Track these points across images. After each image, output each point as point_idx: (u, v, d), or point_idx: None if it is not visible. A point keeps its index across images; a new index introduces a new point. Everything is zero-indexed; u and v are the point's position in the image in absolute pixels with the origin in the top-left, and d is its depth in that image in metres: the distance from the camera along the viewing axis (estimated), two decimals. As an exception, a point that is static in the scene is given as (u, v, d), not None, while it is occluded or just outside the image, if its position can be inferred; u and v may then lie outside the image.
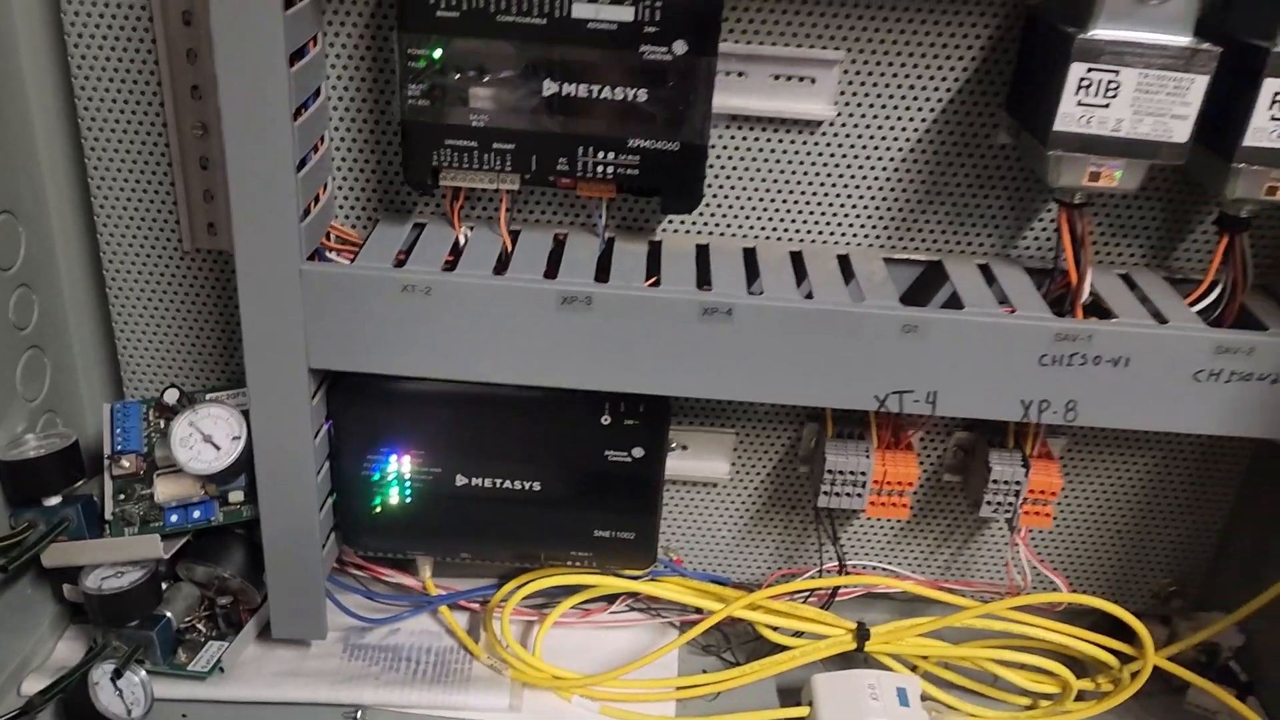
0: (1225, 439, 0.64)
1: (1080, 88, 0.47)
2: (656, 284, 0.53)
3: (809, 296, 0.54)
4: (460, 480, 0.60)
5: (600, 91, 0.50)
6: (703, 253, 0.57)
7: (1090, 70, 0.47)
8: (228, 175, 0.49)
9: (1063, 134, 0.48)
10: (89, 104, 0.57)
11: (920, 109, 0.55)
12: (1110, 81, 0.47)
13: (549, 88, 0.50)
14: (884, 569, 0.69)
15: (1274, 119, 0.47)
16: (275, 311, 0.52)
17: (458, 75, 0.50)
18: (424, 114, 0.51)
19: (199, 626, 0.64)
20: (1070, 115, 0.48)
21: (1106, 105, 0.47)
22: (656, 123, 0.51)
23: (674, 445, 0.65)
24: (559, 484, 0.60)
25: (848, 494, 0.61)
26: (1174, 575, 0.69)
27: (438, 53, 0.50)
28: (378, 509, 0.61)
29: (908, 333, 0.52)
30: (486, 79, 0.50)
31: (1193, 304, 0.55)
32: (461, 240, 0.57)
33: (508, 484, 0.60)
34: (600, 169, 0.52)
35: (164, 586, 0.63)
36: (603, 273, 0.54)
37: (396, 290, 0.52)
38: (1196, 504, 0.67)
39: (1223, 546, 0.69)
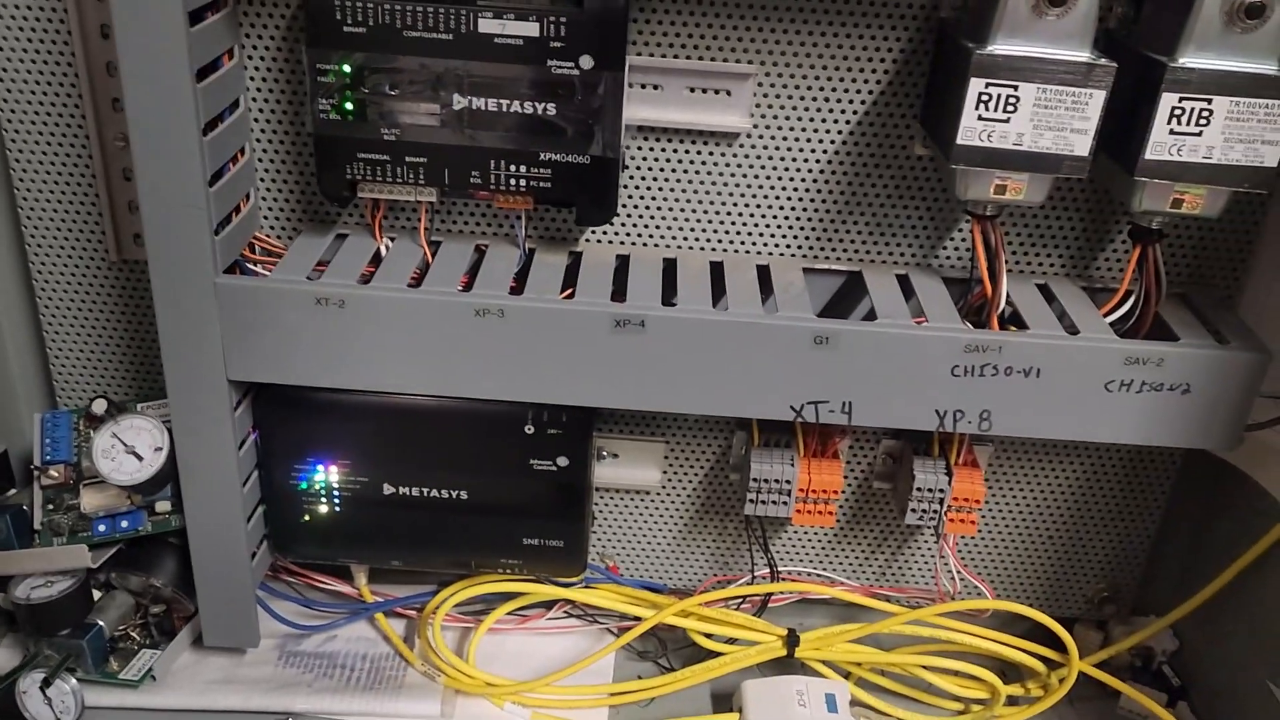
0: (1155, 446, 0.64)
1: (980, 102, 0.47)
2: (571, 295, 0.54)
3: (725, 309, 0.54)
4: (388, 489, 0.61)
5: (509, 106, 0.51)
6: (623, 263, 0.57)
7: (989, 85, 0.47)
8: (138, 190, 0.50)
9: (966, 148, 0.48)
10: (11, 116, 0.57)
11: (837, 120, 0.55)
12: (1009, 96, 0.47)
13: (458, 102, 0.51)
14: (817, 575, 0.69)
15: (1173, 133, 0.47)
16: (192, 324, 0.53)
17: (367, 90, 0.50)
18: (336, 128, 0.51)
19: (133, 634, 0.64)
20: (972, 129, 0.48)
21: (1007, 120, 0.47)
22: (567, 136, 0.51)
23: (604, 454, 0.65)
24: (486, 493, 0.61)
25: (774, 502, 0.61)
26: (1107, 581, 0.70)
27: (346, 67, 0.50)
28: (307, 518, 0.61)
29: (820, 344, 0.53)
30: (396, 93, 0.51)
31: (1107, 314, 0.55)
32: (383, 251, 0.57)
33: (435, 493, 0.61)
34: (514, 182, 0.52)
35: (98, 595, 0.64)
36: (522, 284, 0.55)
37: (310, 303, 0.52)
38: (1128, 510, 0.67)
39: (1156, 552, 0.69)
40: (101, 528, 0.61)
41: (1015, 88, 0.47)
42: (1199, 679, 0.66)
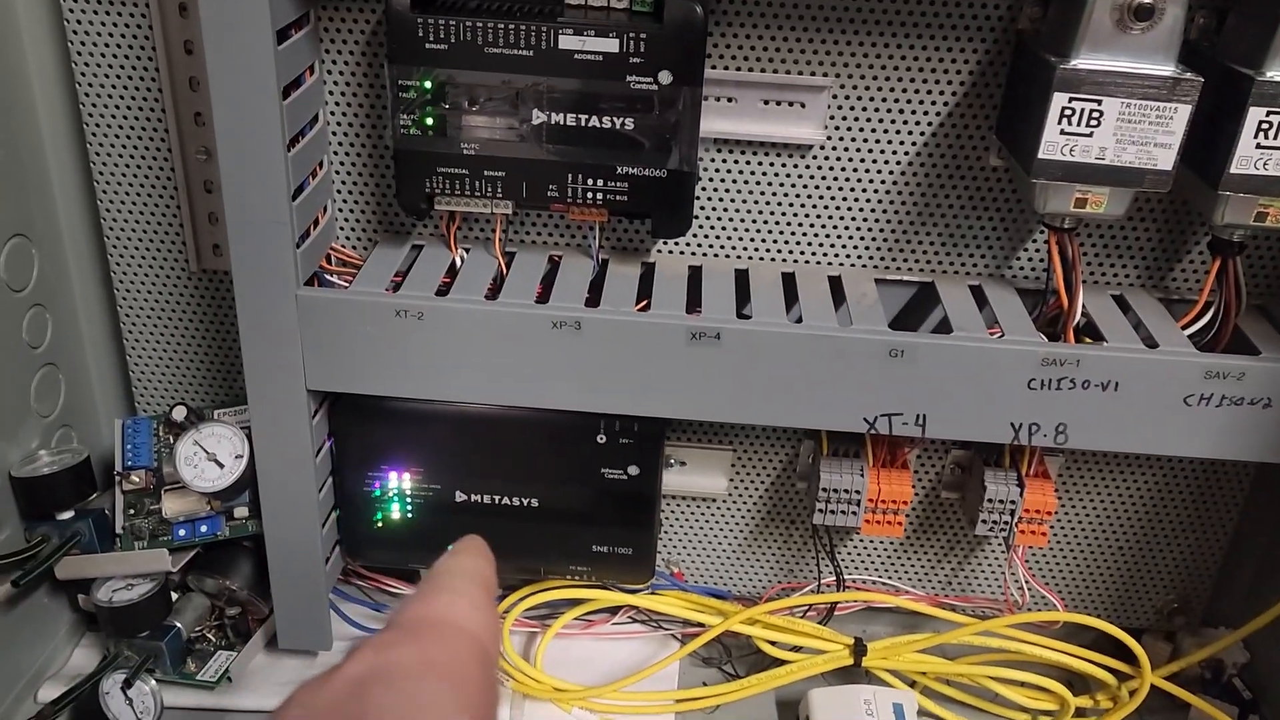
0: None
1: (1063, 117, 0.47)
2: (647, 307, 0.54)
3: (799, 319, 0.54)
4: (460, 496, 0.61)
5: (588, 121, 0.51)
6: (695, 274, 0.58)
7: (1072, 100, 0.47)
8: (224, 204, 0.50)
9: (1047, 161, 0.48)
10: (96, 130, 0.59)
11: (911, 132, 0.55)
12: (1093, 111, 0.47)
13: (538, 117, 0.51)
14: (883, 584, 0.69)
15: (1260, 147, 0.47)
16: (273, 334, 0.54)
17: (448, 105, 0.51)
18: (416, 143, 0.52)
19: (209, 636, 0.66)
20: (1054, 143, 0.48)
21: (1090, 134, 0.47)
22: (644, 150, 0.51)
23: (672, 461, 0.66)
24: (557, 501, 0.61)
25: (843, 512, 0.61)
26: (1177, 592, 0.69)
27: (428, 84, 0.51)
28: (379, 523, 0.62)
29: (894, 357, 0.53)
30: (476, 108, 0.51)
31: (1185, 327, 0.55)
32: (458, 262, 0.58)
33: (507, 500, 0.61)
34: (590, 195, 0.53)
35: (175, 597, 0.65)
36: (596, 295, 0.55)
37: (390, 315, 0.53)
38: (1200, 522, 0.66)
39: (1228, 563, 0.68)
40: (181, 532, 0.62)
41: (1099, 102, 0.47)
42: (1271, 692, 0.65)
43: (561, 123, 0.51)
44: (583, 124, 0.51)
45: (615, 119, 0.51)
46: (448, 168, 0.53)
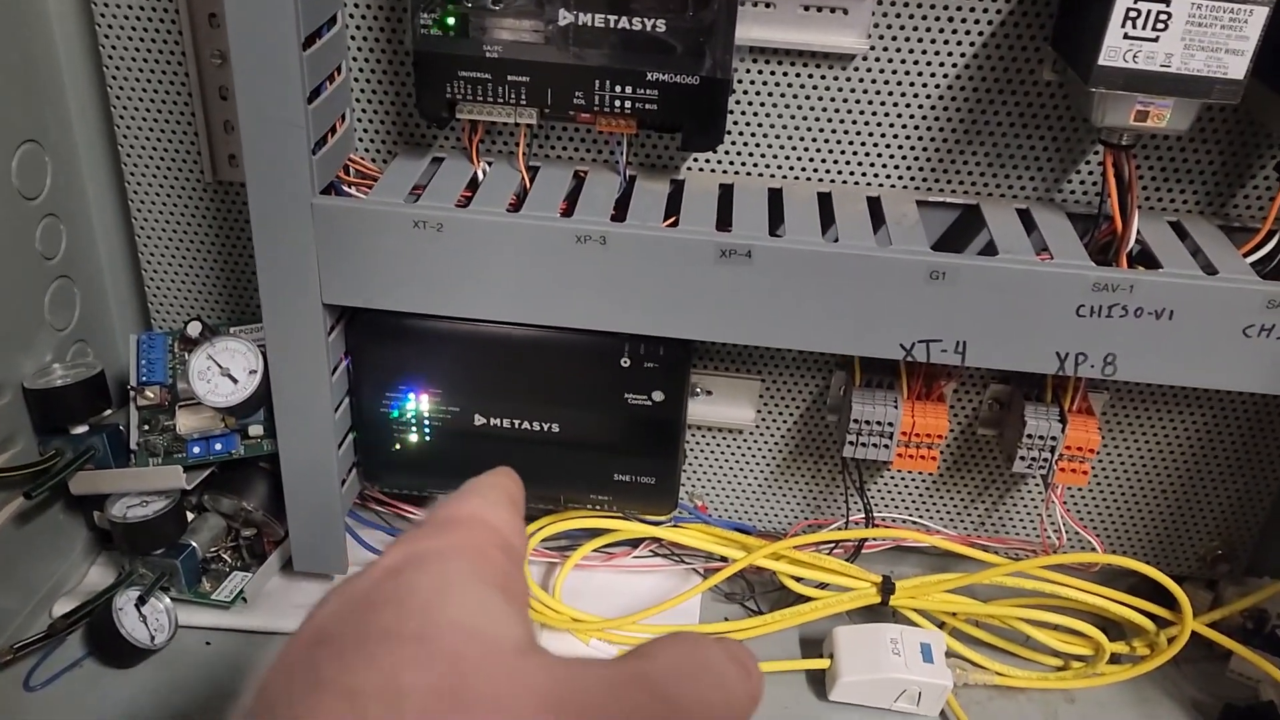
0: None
1: (1127, 19, 0.44)
2: (675, 224, 0.52)
3: (836, 240, 0.51)
4: (479, 420, 0.59)
5: (617, 21, 0.48)
6: (726, 193, 0.55)
7: (1138, 2, 0.43)
8: (237, 105, 0.48)
9: (1107, 69, 0.45)
10: (109, 33, 0.56)
11: (959, 43, 0.52)
12: (1160, 13, 0.43)
13: (564, 17, 0.48)
14: (914, 523, 0.67)
15: (1341, 55, 0.43)
16: (288, 246, 0.52)
17: (470, 3, 0.48)
18: (436, 44, 0.50)
19: (224, 557, 0.65)
20: (1116, 49, 0.44)
21: (1155, 39, 0.44)
22: (676, 55, 0.49)
23: (698, 390, 0.64)
24: (578, 426, 0.59)
25: (874, 445, 0.59)
26: (1222, 539, 0.66)
27: (449, -20, 0.48)
28: (397, 446, 0.61)
29: (935, 280, 0.50)
30: (500, 7, 0.49)
31: (1247, 254, 0.52)
32: (480, 175, 0.56)
33: (526, 425, 0.59)
34: (618, 103, 0.50)
35: (191, 517, 0.64)
36: (622, 212, 0.53)
37: (408, 226, 0.51)
38: (1248, 466, 0.63)
39: (1276, 511, 0.65)
40: (196, 449, 0.61)
41: (1168, 3, 0.43)
42: (1316, 644, 0.63)
43: (590, 23, 0.48)
44: (612, 25, 0.48)
45: (646, 20, 0.48)
46: (470, 71, 0.50)
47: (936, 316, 0.51)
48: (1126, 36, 0.44)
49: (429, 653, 0.22)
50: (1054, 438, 0.57)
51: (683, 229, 0.51)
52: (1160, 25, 0.44)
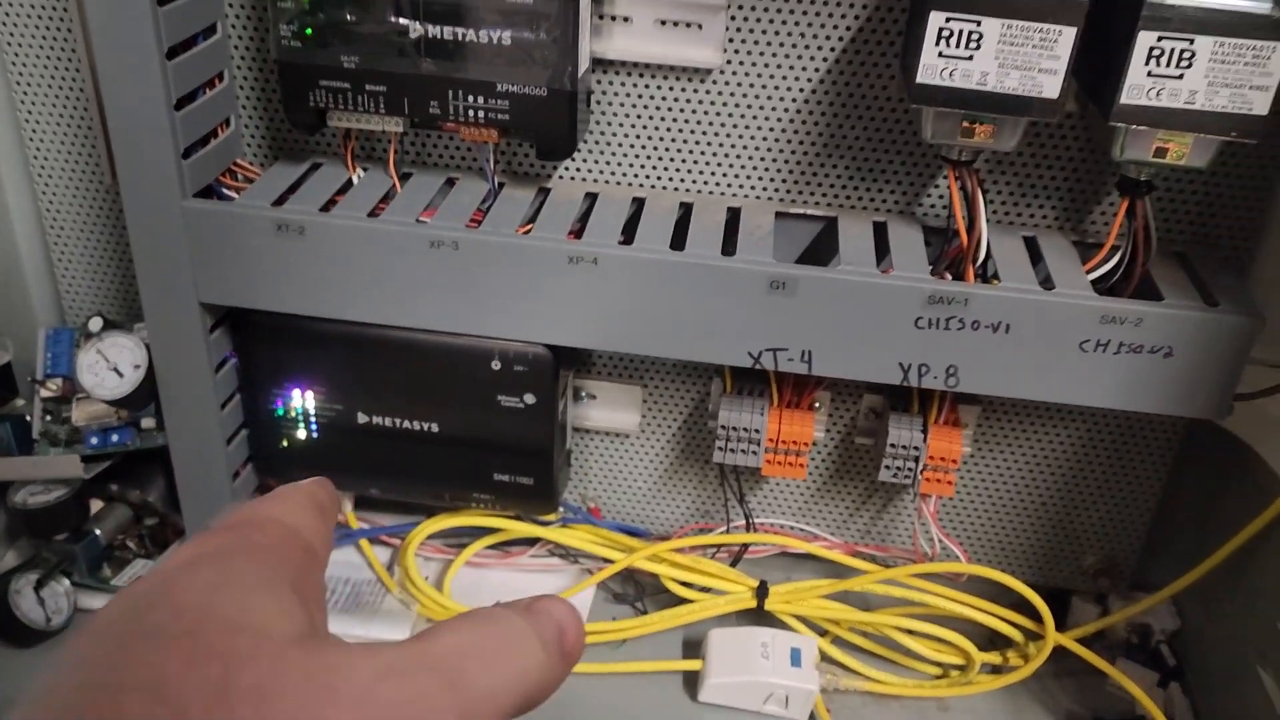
0: (1155, 414, 0.61)
1: (941, 38, 0.45)
2: (528, 231, 0.53)
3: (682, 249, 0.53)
4: (362, 418, 0.61)
5: (465, 35, 0.50)
6: (590, 201, 0.57)
7: (949, 20, 0.44)
8: (105, 113, 0.51)
9: (926, 87, 0.46)
10: (10, 39, 0.59)
11: (812, 59, 0.53)
12: (972, 32, 0.44)
13: (415, 30, 0.50)
14: (799, 530, 0.68)
15: (1151, 75, 0.44)
16: (162, 245, 0.54)
17: (325, 16, 0.50)
18: (297, 55, 0.52)
19: (129, 545, 0.67)
20: (933, 68, 0.45)
21: (970, 57, 0.45)
22: (524, 67, 0.50)
23: (583, 395, 0.65)
24: (456, 426, 0.61)
25: (743, 451, 0.60)
26: (1103, 553, 0.67)
27: (305, -7, 0.50)
28: (285, 443, 0.63)
29: (776, 289, 0.51)
30: (355, 19, 0.50)
31: (1090, 270, 0.52)
32: (354, 181, 0.57)
33: (407, 424, 0.61)
34: (473, 113, 0.52)
35: (100, 506, 0.66)
36: (486, 218, 0.54)
37: (272, 229, 0.53)
38: (1126, 480, 0.64)
39: (1158, 526, 0.65)
40: (94, 440, 0.63)
41: (978, 23, 0.44)
42: (1196, 660, 0.63)
43: (439, 36, 0.50)
44: (460, 38, 0.50)
45: (493, 32, 0.50)
46: (330, 80, 0.52)
47: (781, 326, 0.52)
48: (942, 54, 0.45)
49: (196, 647, 0.22)
50: (916, 448, 0.58)
51: (533, 235, 0.52)
52: (974, 44, 0.45)
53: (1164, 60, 0.44)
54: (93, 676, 0.22)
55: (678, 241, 0.53)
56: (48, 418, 0.64)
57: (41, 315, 0.69)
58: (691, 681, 0.64)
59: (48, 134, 0.62)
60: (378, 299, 0.54)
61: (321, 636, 0.24)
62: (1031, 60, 0.45)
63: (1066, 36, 0.44)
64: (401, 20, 0.50)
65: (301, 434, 0.62)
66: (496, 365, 0.58)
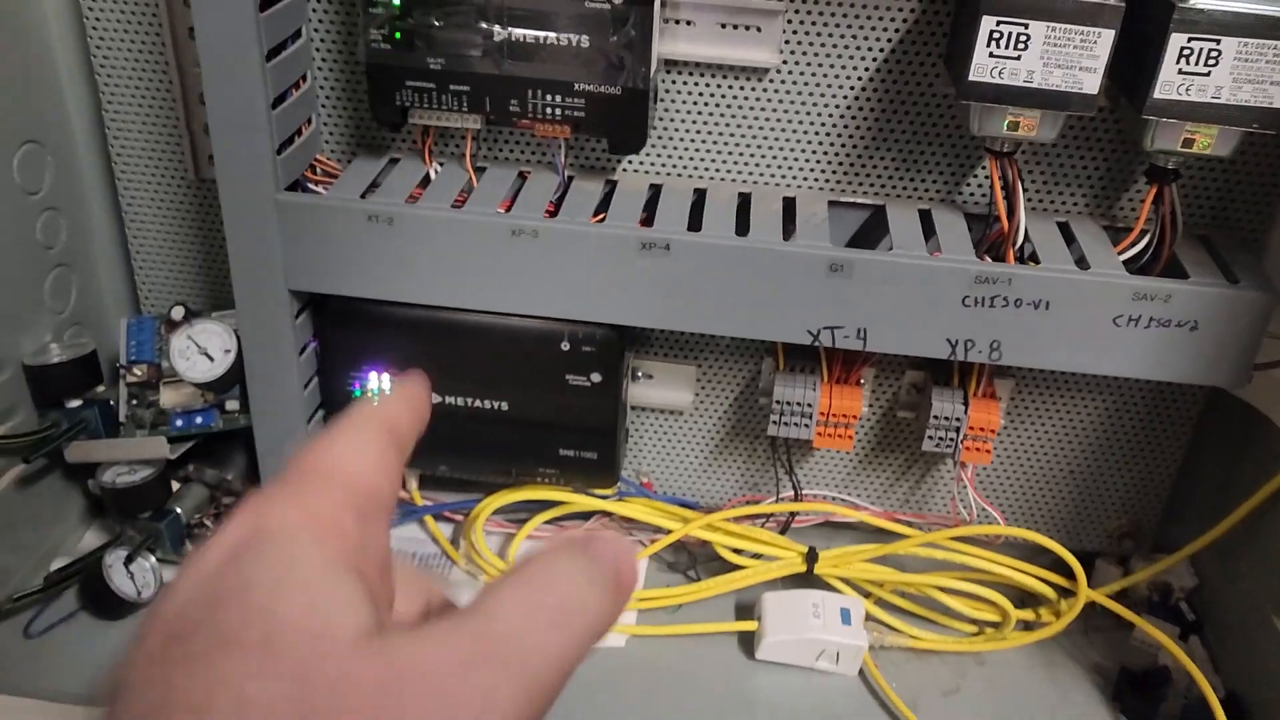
0: (1176, 385, 0.65)
1: (992, 40, 0.49)
2: (602, 220, 0.57)
3: (747, 235, 0.57)
4: (435, 398, 0.65)
5: (546, 38, 0.54)
6: (655, 192, 0.61)
7: (999, 24, 0.48)
8: (207, 112, 0.54)
9: (977, 84, 0.50)
10: (101, 43, 0.63)
11: (864, 58, 0.57)
12: (1020, 35, 0.49)
13: (499, 34, 0.54)
14: (842, 500, 0.72)
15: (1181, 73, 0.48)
16: (255, 237, 0.58)
17: (414, 21, 0.54)
18: (385, 57, 0.55)
19: (207, 523, 0.71)
20: (984, 66, 0.50)
21: (1017, 57, 0.49)
22: (599, 68, 0.54)
23: (639, 374, 0.69)
24: (525, 405, 0.65)
25: (796, 424, 0.64)
26: (1128, 517, 0.71)
27: (395, 1, 0.54)
28: (361, 422, 0.66)
29: (835, 272, 0.55)
30: (442, 24, 0.54)
31: (1122, 252, 0.56)
32: (432, 175, 0.61)
33: (479, 403, 0.65)
34: (550, 111, 0.56)
35: (178, 486, 0.70)
36: (559, 208, 0.58)
37: (362, 220, 0.57)
38: (1150, 448, 0.68)
39: (1178, 491, 0.70)
40: (179, 422, 0.67)
41: (1026, 26, 0.48)
42: (1214, 616, 0.68)
43: (521, 39, 0.54)
44: (540, 41, 0.54)
45: (571, 36, 0.54)
46: (416, 81, 0.56)
47: (839, 306, 0.56)
48: (991, 55, 0.49)
49: (272, 662, 0.22)
50: (958, 419, 0.63)
51: (608, 224, 0.56)
52: (1021, 45, 0.49)
53: (1193, 59, 0.48)
54: (175, 693, 0.22)
55: (741, 228, 0.57)
56: (134, 402, 0.67)
57: (113, 307, 0.73)
58: (746, 641, 0.68)
59: (132, 134, 0.65)
60: (460, 285, 0.58)
61: (386, 630, 0.23)
62: (1073, 59, 0.49)
63: (1105, 38, 0.48)
64: (486, 25, 0.54)
65: (376, 414, 0.66)
66: (565, 346, 0.62)
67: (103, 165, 0.68)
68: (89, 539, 0.72)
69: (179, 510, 0.69)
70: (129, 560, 0.66)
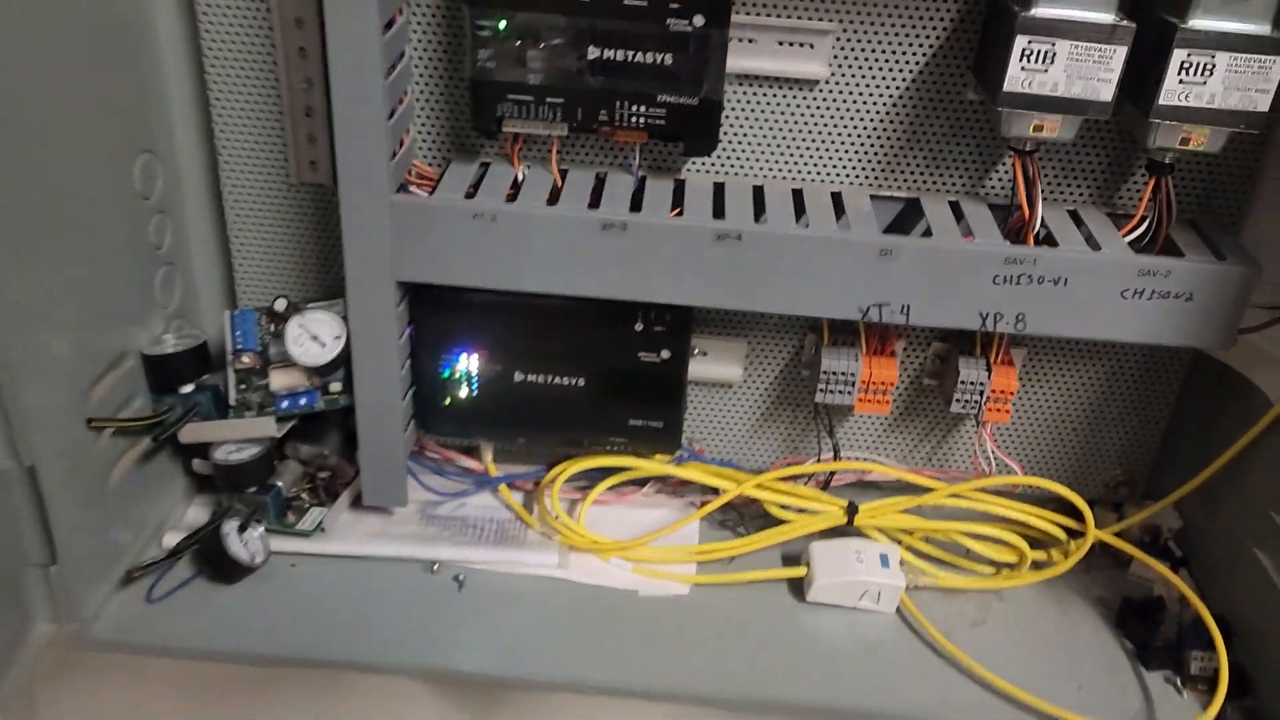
0: (1165, 351, 0.75)
1: (1024, 56, 0.58)
2: (680, 214, 0.65)
3: (807, 225, 0.65)
4: (518, 376, 0.73)
5: (634, 56, 0.62)
6: (719, 189, 0.69)
7: (1031, 42, 0.57)
8: (334, 125, 0.61)
9: (1011, 94, 0.59)
10: (215, 63, 0.69)
11: (901, 69, 0.66)
12: (1048, 51, 0.58)
13: (592, 53, 0.62)
14: (873, 459, 0.81)
15: (1182, 82, 0.58)
16: (370, 234, 0.65)
17: (518, 42, 0.62)
18: (490, 74, 0.63)
19: (303, 496, 0.78)
20: (1016, 78, 0.59)
21: (1045, 70, 0.58)
22: (680, 82, 0.62)
23: (695, 350, 0.77)
24: (600, 380, 0.73)
25: (840, 392, 0.73)
26: (1123, 467, 0.81)
27: (502, 24, 0.61)
28: (448, 400, 0.74)
29: (884, 256, 0.64)
30: (541, 45, 0.62)
31: (1125, 235, 0.66)
32: (520, 177, 0.69)
33: (557, 380, 0.73)
34: (634, 119, 0.64)
35: (275, 463, 0.77)
36: (636, 205, 0.66)
37: (469, 218, 0.64)
38: (1142, 406, 0.78)
39: (1166, 443, 0.80)
40: (284, 404, 0.74)
41: (1053, 44, 0.57)
42: (1198, 552, 0.77)
43: (612, 58, 0.62)
44: (629, 59, 0.62)
45: (656, 55, 0.62)
46: (516, 95, 0.63)
47: (885, 285, 0.65)
48: (1023, 68, 0.58)
49: None
50: (982, 384, 0.72)
51: (687, 218, 0.65)
52: (1049, 60, 0.58)
53: (1192, 70, 0.58)
54: None
55: (799, 220, 0.66)
56: (242, 386, 0.74)
57: (208, 301, 0.79)
58: (795, 587, 0.76)
59: (239, 144, 0.72)
60: (555, 274, 0.66)
61: None
62: (1092, 72, 0.58)
63: (1119, 54, 0.57)
64: (581, 46, 0.62)
65: (463, 393, 0.74)
66: (639, 326, 0.70)
67: (205, 171, 0.75)
68: (192, 514, 0.79)
69: (280, 484, 0.76)
70: (241, 529, 0.73)
